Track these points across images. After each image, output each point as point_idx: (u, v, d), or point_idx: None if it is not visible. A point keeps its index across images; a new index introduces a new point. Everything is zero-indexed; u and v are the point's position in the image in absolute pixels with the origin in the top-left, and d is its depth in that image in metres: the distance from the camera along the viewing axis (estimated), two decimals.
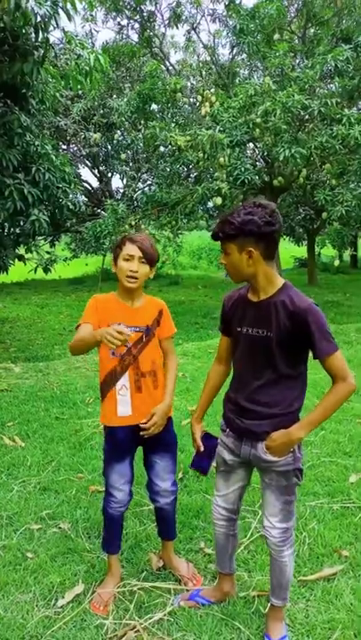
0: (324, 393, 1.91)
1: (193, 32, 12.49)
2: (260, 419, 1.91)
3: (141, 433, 2.18)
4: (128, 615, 2.17)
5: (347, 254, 18.92)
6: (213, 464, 2.21)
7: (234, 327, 1.98)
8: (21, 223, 6.72)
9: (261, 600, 2.25)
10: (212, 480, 3.11)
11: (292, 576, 2.07)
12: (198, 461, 2.24)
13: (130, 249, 2.13)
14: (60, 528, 2.79)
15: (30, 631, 2.09)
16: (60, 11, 4.94)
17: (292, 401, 1.90)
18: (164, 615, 2.16)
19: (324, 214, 8.58)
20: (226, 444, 2.06)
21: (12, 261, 7.07)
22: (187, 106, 11.06)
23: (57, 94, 6.83)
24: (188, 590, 2.31)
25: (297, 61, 10.73)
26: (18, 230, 6.98)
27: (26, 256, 7.39)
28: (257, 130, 8.39)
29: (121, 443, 2.24)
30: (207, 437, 2.23)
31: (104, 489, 2.33)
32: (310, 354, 1.87)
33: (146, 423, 2.17)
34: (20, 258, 7.33)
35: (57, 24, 5.14)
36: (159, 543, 2.52)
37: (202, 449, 2.21)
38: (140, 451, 2.34)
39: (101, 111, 12.66)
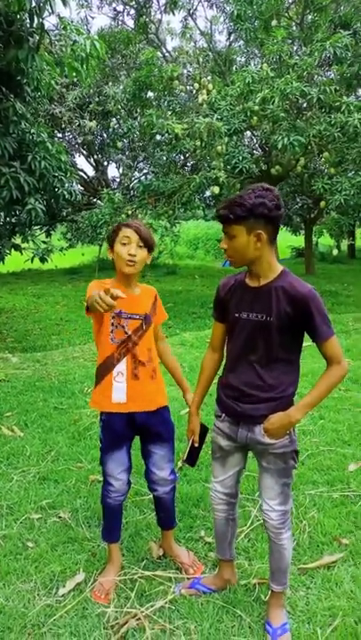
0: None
1: (190, 18, 12.34)
2: (258, 402, 1.93)
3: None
4: (129, 603, 2.17)
5: (345, 244, 18.94)
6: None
7: (231, 313, 1.98)
8: (17, 212, 6.66)
9: (262, 588, 2.26)
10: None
11: (290, 560, 2.09)
12: (192, 454, 2.25)
13: (126, 232, 2.12)
14: (60, 517, 2.79)
15: (32, 620, 2.10)
16: None
17: (287, 385, 1.93)
18: (166, 603, 2.17)
19: (323, 203, 8.55)
20: (221, 429, 2.07)
21: (8, 251, 7.01)
22: (183, 93, 10.94)
23: (52, 81, 6.74)
24: (188, 578, 2.32)
25: (295, 48, 10.62)
26: (14, 220, 6.92)
27: (22, 246, 7.34)
28: (255, 118, 8.32)
29: (117, 431, 2.23)
30: (201, 429, 2.24)
31: (102, 478, 2.33)
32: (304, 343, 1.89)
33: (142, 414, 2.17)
34: (17, 247, 7.27)
35: (52, 10, 5.05)
36: (159, 532, 2.53)
37: (196, 444, 2.22)
38: (138, 439, 2.34)
39: (97, 99, 12.51)
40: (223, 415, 2.05)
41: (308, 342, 1.92)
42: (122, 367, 2.18)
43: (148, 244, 2.15)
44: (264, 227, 1.79)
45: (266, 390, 1.92)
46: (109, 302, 1.75)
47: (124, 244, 2.12)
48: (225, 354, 2.12)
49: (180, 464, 3.26)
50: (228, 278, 2.05)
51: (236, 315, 1.95)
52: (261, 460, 2.00)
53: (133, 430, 2.26)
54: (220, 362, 2.19)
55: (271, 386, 1.91)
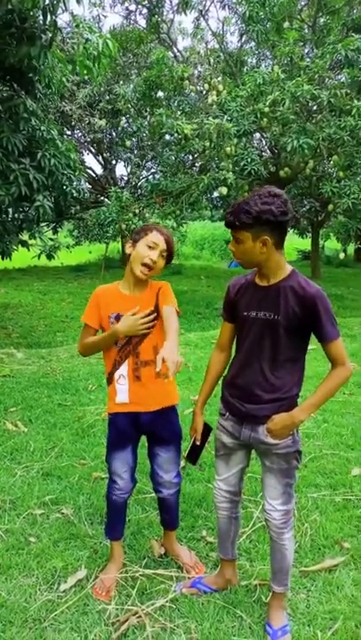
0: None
1: (202, 19, 12.36)
2: (262, 403, 1.94)
3: (160, 374, 1.75)
4: (130, 601, 2.18)
5: (351, 248, 18.87)
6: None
7: (240, 312, 1.99)
8: (25, 209, 6.69)
9: (263, 589, 2.26)
10: (214, 469, 3.13)
11: (292, 561, 2.09)
12: (193, 452, 2.26)
13: (157, 237, 2.12)
14: (62, 513, 2.80)
15: (33, 614, 2.11)
16: None
17: (292, 386, 1.94)
18: (166, 602, 2.18)
19: (330, 206, 8.54)
20: (225, 427, 2.08)
21: (15, 247, 7.04)
22: (193, 94, 10.95)
23: (63, 79, 6.76)
24: (189, 578, 2.32)
25: (306, 51, 10.62)
26: (21, 216, 6.94)
27: (29, 242, 7.36)
28: (265, 119, 8.31)
29: (122, 430, 2.24)
30: (204, 428, 2.24)
31: (107, 476, 2.34)
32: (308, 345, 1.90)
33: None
34: (24, 244, 7.30)
35: (65, 7, 5.07)
36: (161, 530, 2.53)
37: (198, 443, 2.23)
38: (144, 439, 2.34)
39: (107, 97, 12.53)
40: (227, 414, 2.07)
41: (313, 345, 1.92)
42: (123, 370, 2.18)
43: (169, 257, 2.16)
44: (270, 233, 1.79)
45: (271, 391, 1.92)
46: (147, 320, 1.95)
47: (150, 247, 2.11)
48: (233, 353, 2.12)
49: (182, 463, 3.27)
50: (239, 278, 2.06)
51: (245, 313, 1.96)
52: (264, 459, 2.01)
53: (139, 431, 2.26)
54: (226, 361, 2.20)
55: (276, 386, 1.92)
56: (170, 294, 2.23)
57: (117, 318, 2.15)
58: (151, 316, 1.91)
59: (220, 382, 2.19)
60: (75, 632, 2.03)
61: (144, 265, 2.10)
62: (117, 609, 2.14)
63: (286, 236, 1.87)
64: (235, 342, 2.10)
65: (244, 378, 1.98)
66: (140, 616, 2.09)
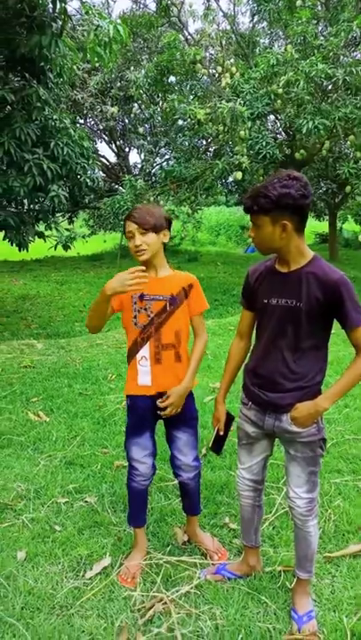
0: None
1: (212, 0, 12.13)
2: (285, 391, 1.92)
3: (159, 412, 2.20)
4: (155, 588, 2.20)
5: None
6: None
7: (260, 299, 1.96)
8: (41, 200, 6.70)
9: (287, 575, 2.27)
10: (236, 456, 3.13)
11: (316, 547, 2.09)
12: (218, 442, 2.26)
13: (127, 226, 2.10)
14: (86, 502, 2.83)
15: (60, 601, 2.14)
16: None
17: (315, 374, 1.91)
18: (191, 588, 2.19)
19: (348, 188, 8.38)
20: (248, 416, 2.06)
21: (32, 238, 7.07)
22: (206, 77, 10.79)
23: (74, 67, 6.72)
24: (213, 564, 2.33)
25: (320, 29, 10.35)
26: (37, 207, 6.96)
27: (46, 233, 7.39)
28: (279, 101, 8.16)
29: (140, 413, 2.25)
30: (227, 417, 2.23)
31: (127, 463, 2.35)
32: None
33: (163, 402, 2.17)
34: (40, 235, 7.33)
35: None
36: (184, 518, 2.55)
37: (221, 432, 2.22)
38: (162, 426, 2.35)
39: (119, 84, 12.44)
40: (250, 403, 2.05)
41: (333, 329, 1.89)
42: (145, 351, 2.18)
43: (150, 227, 2.08)
44: (290, 217, 1.76)
45: (293, 380, 1.90)
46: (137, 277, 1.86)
47: (130, 237, 2.11)
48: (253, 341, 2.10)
49: (203, 451, 3.28)
50: (258, 265, 2.02)
51: (265, 301, 1.93)
52: (289, 448, 1.99)
53: (157, 415, 2.26)
54: (247, 350, 2.18)
55: (299, 374, 1.89)
56: (202, 296, 2.27)
57: (141, 298, 2.15)
58: (143, 277, 1.86)
59: (240, 370, 2.18)
60: (101, 618, 2.05)
61: (136, 253, 2.10)
62: (143, 595, 2.17)
63: (307, 220, 1.83)
64: (256, 329, 2.07)
65: (267, 367, 1.96)
66: (165, 602, 2.11)
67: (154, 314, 2.15)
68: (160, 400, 2.18)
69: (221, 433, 2.23)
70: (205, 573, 2.27)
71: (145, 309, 2.16)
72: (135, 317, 2.17)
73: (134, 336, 2.19)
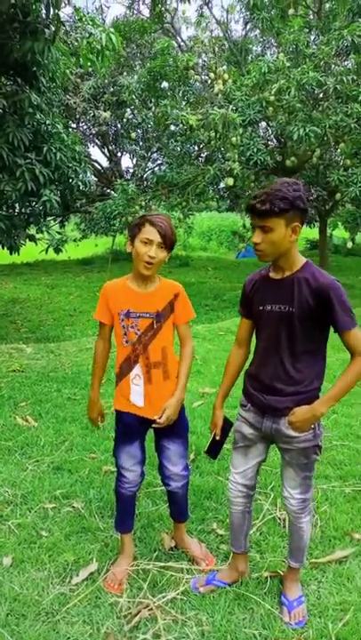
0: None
1: (205, 7, 12.22)
2: (283, 396, 1.95)
3: (154, 425, 2.20)
4: (142, 594, 2.20)
5: (359, 236, 18.67)
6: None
7: (256, 307, 2.00)
8: (32, 204, 6.68)
9: (274, 581, 2.28)
10: (224, 462, 3.14)
11: (308, 541, 2.16)
12: (214, 447, 2.26)
13: (149, 232, 2.03)
14: (73, 507, 2.82)
15: (46, 607, 2.13)
16: None
17: (313, 378, 1.94)
18: (178, 594, 2.19)
19: (338, 195, 8.46)
20: (246, 418, 2.09)
21: (23, 242, 7.04)
22: (198, 83, 10.85)
23: (67, 72, 6.72)
24: (200, 571, 2.33)
25: (312, 37, 10.45)
26: (28, 210, 6.94)
27: (37, 236, 7.36)
28: (270, 108, 8.22)
29: (130, 426, 2.25)
30: (224, 423, 2.24)
31: (116, 469, 2.35)
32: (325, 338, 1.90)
33: (160, 418, 2.17)
34: (32, 238, 7.30)
35: (68, 0, 5.04)
36: (171, 523, 2.55)
37: (218, 438, 2.23)
38: (152, 432, 2.35)
39: (111, 89, 12.45)
40: (249, 405, 2.08)
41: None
42: (138, 370, 2.18)
43: (168, 246, 2.08)
44: (300, 219, 1.81)
45: (292, 384, 1.93)
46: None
47: (145, 243, 2.04)
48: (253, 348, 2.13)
49: (192, 456, 3.28)
50: (253, 274, 2.07)
51: (261, 307, 1.97)
52: (284, 454, 2.04)
53: (147, 425, 2.26)
54: (245, 357, 2.21)
55: (297, 380, 1.93)
56: (188, 305, 2.24)
57: (127, 315, 2.13)
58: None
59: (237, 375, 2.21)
60: (87, 625, 2.05)
61: (146, 264, 2.05)
62: (129, 602, 2.16)
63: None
64: (255, 336, 2.11)
65: (265, 372, 1.99)
66: (151, 609, 2.11)
67: (141, 332, 2.14)
68: (156, 417, 2.18)
69: (218, 438, 2.24)
70: (197, 585, 2.24)
71: (132, 327, 2.14)
72: (125, 335, 2.16)
73: (126, 352, 2.18)
